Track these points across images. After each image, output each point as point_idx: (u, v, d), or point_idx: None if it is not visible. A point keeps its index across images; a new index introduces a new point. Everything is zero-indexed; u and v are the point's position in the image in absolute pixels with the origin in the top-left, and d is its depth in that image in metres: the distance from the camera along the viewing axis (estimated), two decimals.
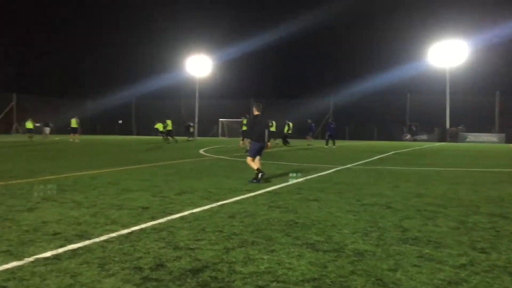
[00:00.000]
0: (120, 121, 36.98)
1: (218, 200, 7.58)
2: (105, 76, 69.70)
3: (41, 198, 7.57)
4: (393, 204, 7.46)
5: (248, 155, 10.28)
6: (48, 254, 4.44)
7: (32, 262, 4.19)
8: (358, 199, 7.91)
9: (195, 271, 3.99)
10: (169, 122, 33.45)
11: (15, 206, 6.81)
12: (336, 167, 14.01)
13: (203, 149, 22.00)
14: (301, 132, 36.95)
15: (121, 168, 12.73)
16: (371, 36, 67.09)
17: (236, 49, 58.59)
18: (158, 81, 59.74)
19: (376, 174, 12.16)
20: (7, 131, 55.19)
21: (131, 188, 8.91)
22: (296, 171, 11.69)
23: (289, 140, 30.31)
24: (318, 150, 25.16)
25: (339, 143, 34.59)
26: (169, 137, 33.40)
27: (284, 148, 27.01)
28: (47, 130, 39.90)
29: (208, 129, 50.99)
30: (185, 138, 40.42)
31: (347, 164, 15.24)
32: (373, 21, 69.73)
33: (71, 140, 33.47)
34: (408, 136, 50.97)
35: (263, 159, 11.20)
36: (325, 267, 4.15)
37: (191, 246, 4.78)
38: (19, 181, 9.73)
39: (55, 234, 5.22)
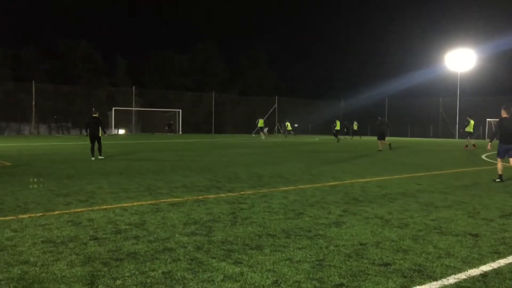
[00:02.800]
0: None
1: None
2: (358, 75, 70.25)
3: (340, 209, 6.90)
4: None
5: (497, 156, 10.63)
6: None
7: None
8: None
9: None
10: (337, 122, 35.54)
11: (319, 218, 6.25)
12: None
13: (485, 155, 19.08)
14: None
15: (405, 175, 11.52)
16: None
17: (507, 40, 51.00)
18: (413, 78, 56.80)
19: None
20: (270, 131, 60.71)
21: (434, 202, 7.57)
22: None
23: None
24: None
25: None
26: (337, 137, 35.24)
27: None
28: (265, 130, 43.37)
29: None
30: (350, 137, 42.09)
31: None
32: None
33: (263, 137, 38.02)
34: None
35: None
36: None
37: None
38: (309, 185, 9.47)
39: (385, 264, 4.26)
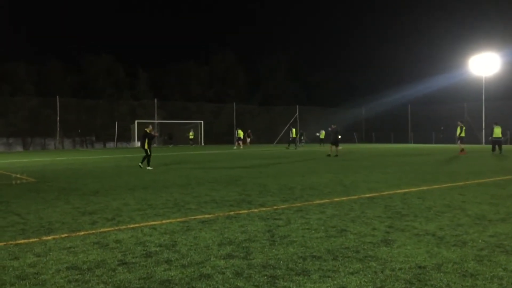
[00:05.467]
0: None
1: None
2: (379, 81, 69.09)
3: (385, 225, 6.34)
4: None
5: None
6: None
7: None
8: None
9: None
10: (293, 130, 38.20)
11: (364, 236, 5.71)
12: None
13: None
14: None
15: (444, 185, 10.87)
16: None
17: None
18: (436, 83, 55.47)
19: None
20: (293, 141, 59.99)
21: (486, 215, 6.95)
22: None
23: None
24: None
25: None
26: (291, 144, 38.07)
27: None
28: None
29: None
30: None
31: None
32: None
33: (235, 148, 39.02)
34: None
35: None
36: None
37: None
38: (345, 197, 8.93)
39: None
